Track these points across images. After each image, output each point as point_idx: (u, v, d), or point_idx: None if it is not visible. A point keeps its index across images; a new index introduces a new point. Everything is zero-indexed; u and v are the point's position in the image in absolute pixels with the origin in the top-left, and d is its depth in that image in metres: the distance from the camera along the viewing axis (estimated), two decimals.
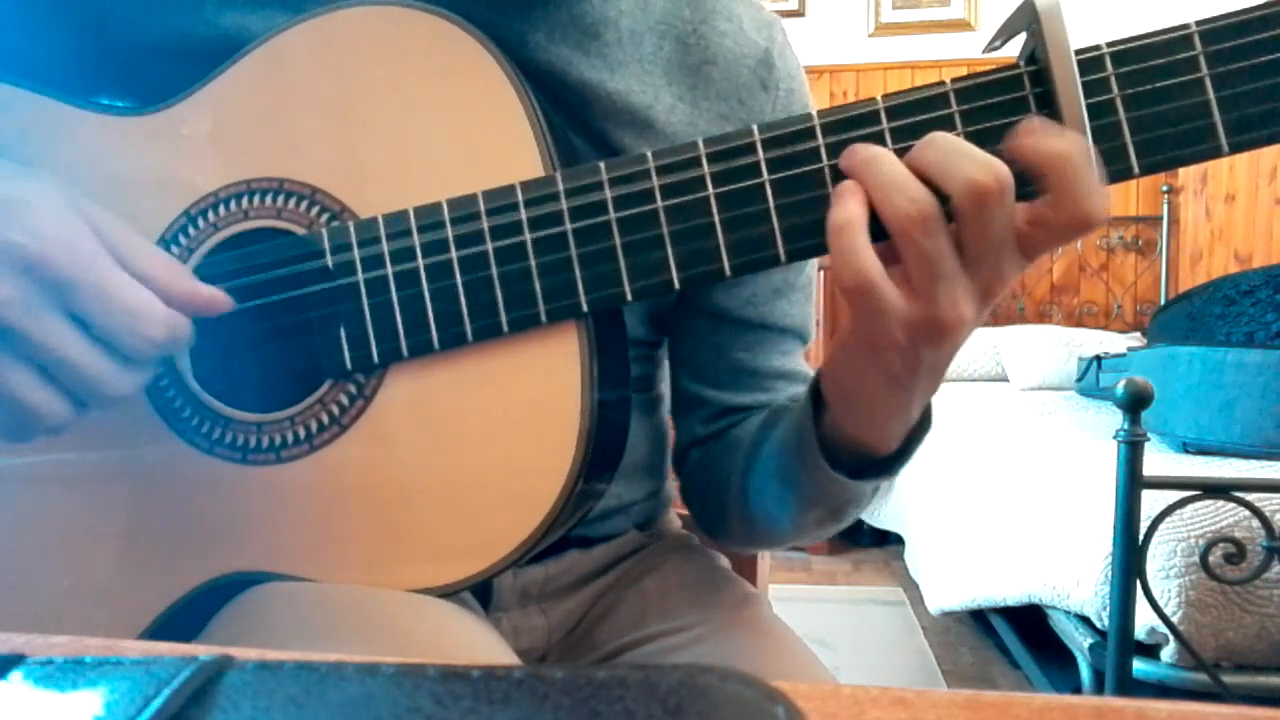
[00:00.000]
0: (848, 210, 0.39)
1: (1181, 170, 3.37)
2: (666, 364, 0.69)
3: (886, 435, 0.45)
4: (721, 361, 0.62)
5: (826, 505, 0.51)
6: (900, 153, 0.39)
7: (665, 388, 0.69)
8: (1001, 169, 0.37)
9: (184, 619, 0.47)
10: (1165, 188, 3.37)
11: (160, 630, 0.47)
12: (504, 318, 0.43)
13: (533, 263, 0.43)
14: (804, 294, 0.63)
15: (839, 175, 0.41)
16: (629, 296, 0.43)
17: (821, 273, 1.95)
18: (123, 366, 0.42)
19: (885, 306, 0.39)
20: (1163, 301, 3.26)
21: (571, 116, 0.54)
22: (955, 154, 0.37)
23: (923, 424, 0.47)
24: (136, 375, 0.42)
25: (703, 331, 0.62)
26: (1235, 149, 0.38)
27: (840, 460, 0.47)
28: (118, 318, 0.40)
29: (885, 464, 0.47)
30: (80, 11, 0.51)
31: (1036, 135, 0.37)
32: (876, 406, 0.44)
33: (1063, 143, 0.37)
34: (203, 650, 0.24)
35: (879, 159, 0.39)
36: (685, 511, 0.80)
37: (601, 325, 0.45)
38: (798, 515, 0.53)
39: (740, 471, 0.57)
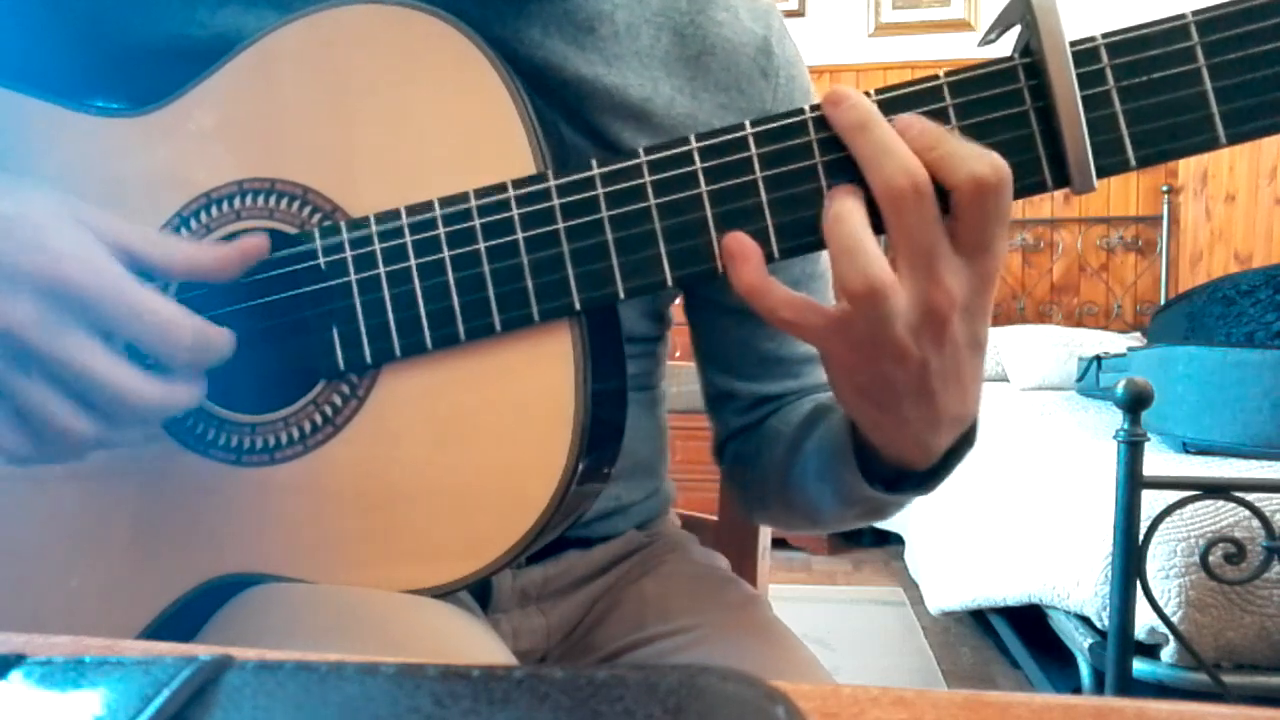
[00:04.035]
0: (844, 204, 0.38)
1: (1181, 170, 3.37)
2: (667, 362, 0.69)
3: (918, 454, 0.44)
4: (749, 354, 0.62)
5: (866, 506, 0.51)
6: None
7: (666, 386, 0.70)
8: (999, 160, 0.37)
9: (181, 620, 0.47)
10: (1165, 188, 3.37)
11: (158, 631, 0.47)
12: (496, 317, 0.43)
13: (525, 261, 0.43)
14: (823, 281, 0.64)
15: (833, 171, 0.40)
16: (622, 295, 0.43)
17: None
18: (154, 377, 0.41)
19: (893, 308, 0.37)
20: (1163, 301, 3.26)
21: (569, 112, 0.53)
22: (954, 148, 0.37)
23: (967, 439, 0.46)
24: (170, 387, 0.41)
25: (727, 327, 0.62)
26: (1233, 140, 0.38)
27: (876, 471, 0.46)
28: (144, 325, 0.39)
29: (921, 478, 0.46)
30: (72, 13, 0.51)
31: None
32: (893, 426, 0.43)
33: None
34: (203, 650, 0.24)
35: (871, 125, 0.38)
36: (685, 511, 0.80)
37: (595, 323, 0.45)
38: (839, 510, 0.54)
39: (780, 466, 0.58)
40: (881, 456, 0.46)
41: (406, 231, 0.44)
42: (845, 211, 0.38)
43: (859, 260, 0.37)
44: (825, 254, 0.63)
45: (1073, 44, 0.38)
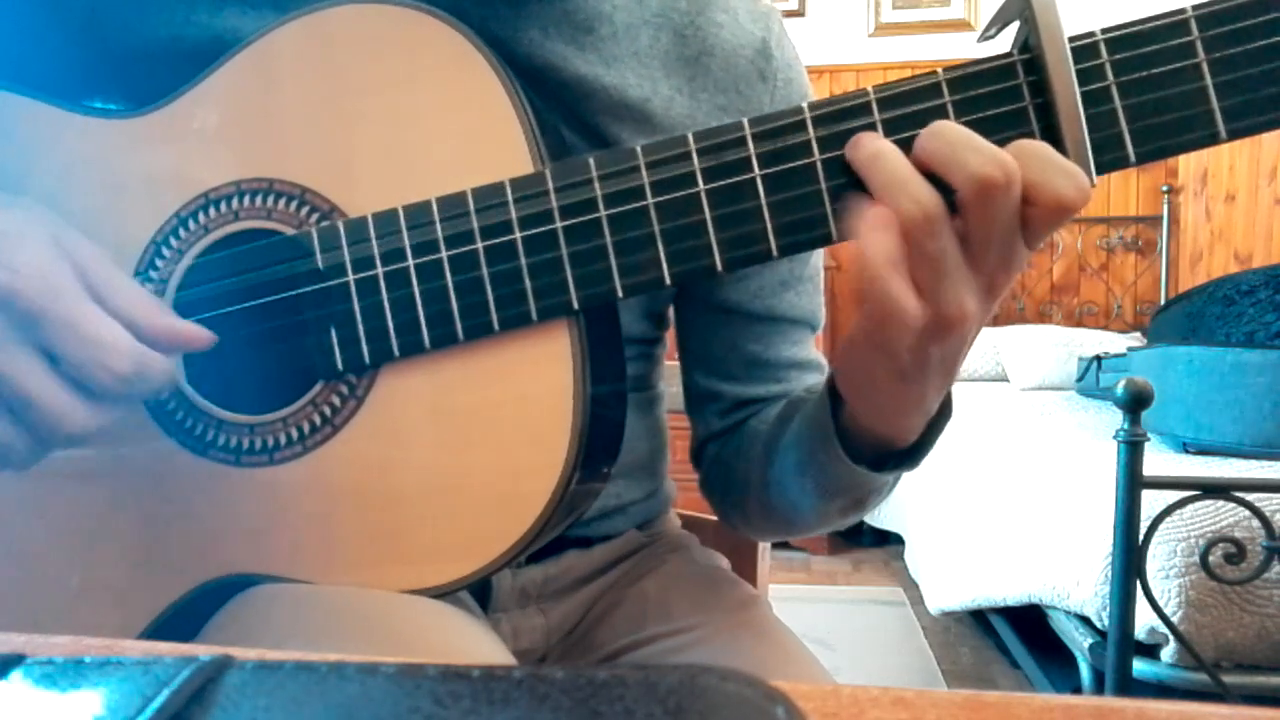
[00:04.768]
0: (877, 144, 0.39)
1: (1181, 170, 3.37)
2: (665, 362, 0.69)
3: (904, 427, 0.45)
4: (733, 355, 0.62)
5: (849, 496, 0.51)
6: (902, 143, 0.39)
7: (664, 386, 0.69)
8: (1008, 161, 0.36)
9: (181, 620, 0.47)
10: (1165, 188, 3.37)
11: (158, 632, 0.47)
12: (495, 316, 0.43)
13: (523, 261, 0.43)
14: (812, 285, 0.64)
15: (831, 168, 0.40)
16: (620, 293, 0.43)
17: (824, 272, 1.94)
18: (85, 402, 0.40)
19: (901, 314, 0.38)
20: (1163, 301, 3.26)
21: (568, 112, 0.53)
22: (962, 147, 0.37)
23: (943, 412, 0.47)
24: (98, 413, 0.41)
25: (712, 326, 0.62)
26: (1233, 135, 0.38)
27: (861, 453, 0.47)
28: (83, 349, 0.39)
29: (906, 455, 0.47)
30: (70, 14, 0.51)
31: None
32: (890, 401, 0.44)
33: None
34: (203, 650, 0.24)
35: (884, 156, 0.38)
36: (685, 511, 0.80)
37: (594, 322, 0.45)
38: (820, 506, 0.53)
39: (760, 465, 0.57)
40: (868, 438, 0.46)
41: (404, 231, 0.44)
42: (882, 150, 0.39)
43: (910, 190, 0.38)
44: (817, 255, 0.63)
45: (1072, 39, 0.38)
